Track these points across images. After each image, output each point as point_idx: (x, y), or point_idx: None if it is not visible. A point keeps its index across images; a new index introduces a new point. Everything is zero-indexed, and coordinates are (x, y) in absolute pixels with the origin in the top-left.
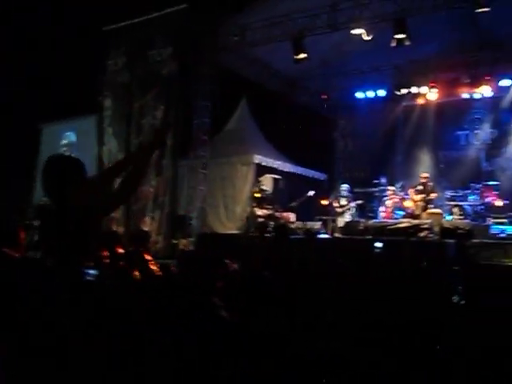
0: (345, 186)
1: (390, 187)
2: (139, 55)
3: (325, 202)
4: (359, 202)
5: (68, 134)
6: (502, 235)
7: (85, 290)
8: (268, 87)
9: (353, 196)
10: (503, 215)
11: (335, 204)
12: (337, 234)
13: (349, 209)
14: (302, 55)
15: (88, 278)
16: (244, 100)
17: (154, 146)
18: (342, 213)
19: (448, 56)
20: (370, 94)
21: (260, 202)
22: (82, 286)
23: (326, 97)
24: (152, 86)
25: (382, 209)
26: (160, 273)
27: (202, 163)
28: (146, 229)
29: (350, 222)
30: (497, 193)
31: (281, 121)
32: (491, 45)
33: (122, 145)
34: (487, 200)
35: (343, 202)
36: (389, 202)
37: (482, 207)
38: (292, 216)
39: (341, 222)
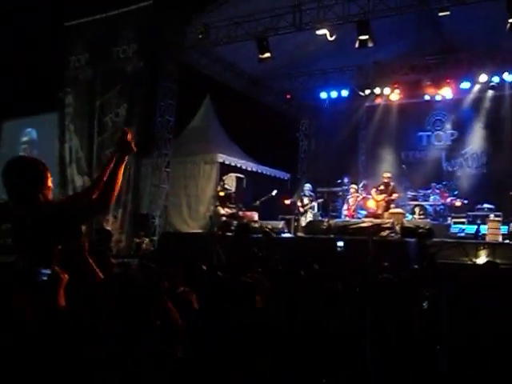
0: (307, 186)
1: (352, 186)
2: (103, 52)
3: (288, 202)
4: (320, 200)
5: (29, 130)
6: (461, 234)
7: (34, 291)
8: (232, 86)
9: (315, 195)
10: (463, 215)
11: (298, 203)
12: (300, 233)
13: (311, 208)
14: (267, 55)
15: (42, 278)
16: (208, 99)
17: (124, 155)
18: (305, 212)
19: (410, 58)
20: (334, 94)
21: (223, 201)
22: (31, 287)
23: (289, 97)
24: (115, 83)
25: (345, 208)
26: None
27: (165, 162)
28: (108, 228)
29: (313, 221)
30: (456, 193)
31: (245, 120)
32: (452, 48)
33: (84, 142)
34: (447, 200)
35: (306, 201)
36: (351, 201)
37: (443, 207)
38: (255, 215)
39: (303, 221)
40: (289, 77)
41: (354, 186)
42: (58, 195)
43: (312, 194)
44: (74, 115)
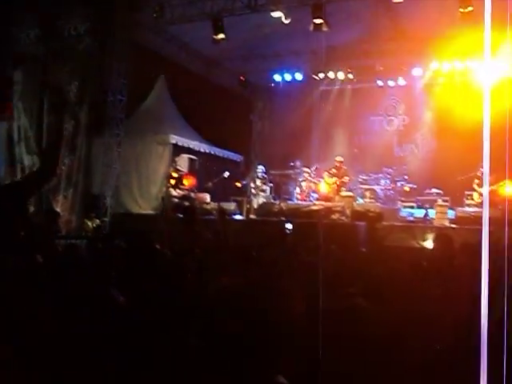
0: (261, 168)
1: (305, 170)
2: (54, 28)
3: (239, 184)
4: (271, 184)
5: None
6: (410, 218)
7: None
8: (187, 67)
9: (268, 178)
10: (412, 199)
11: (251, 185)
12: (252, 216)
13: (263, 190)
14: (221, 36)
15: None
16: (162, 79)
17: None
18: (257, 194)
19: (364, 43)
20: (288, 77)
21: (175, 183)
22: None
23: (243, 79)
24: (66, 61)
25: (297, 191)
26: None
27: (116, 142)
28: (58, 208)
29: (265, 203)
30: (406, 178)
31: (199, 101)
32: (406, 35)
33: (33, 121)
34: (397, 185)
35: (258, 183)
36: (304, 185)
37: (393, 191)
38: (207, 197)
39: (255, 202)
40: (243, 58)
41: (306, 169)
42: (5, 174)
43: (265, 176)
44: (23, 93)
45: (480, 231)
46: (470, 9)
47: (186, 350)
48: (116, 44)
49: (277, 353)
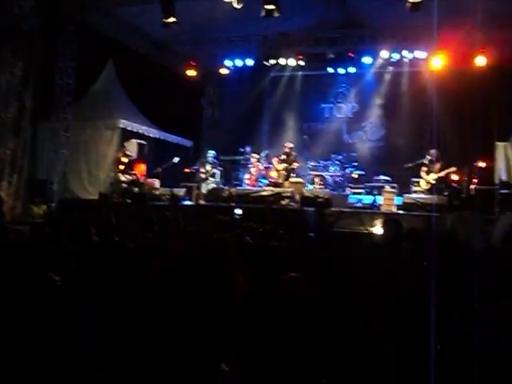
0: (211, 153)
1: (254, 155)
2: None
3: (188, 170)
4: (220, 169)
5: None
6: (358, 205)
7: None
8: (137, 50)
9: (218, 163)
10: (361, 186)
11: (201, 169)
12: (201, 201)
13: (213, 176)
14: (172, 19)
15: None
16: (111, 62)
17: None
18: (206, 179)
19: (315, 31)
20: (239, 62)
21: (124, 168)
22: None
23: (194, 63)
24: (10, 40)
25: (246, 177)
26: None
27: (64, 126)
28: (1, 194)
29: (214, 189)
30: (355, 164)
31: (149, 86)
32: (356, 23)
33: None
34: (346, 171)
35: (208, 168)
36: (253, 170)
37: (342, 178)
38: (156, 182)
39: (204, 188)
40: (194, 43)
41: (256, 155)
42: None
43: (215, 161)
44: None
45: (426, 217)
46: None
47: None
48: (63, 25)
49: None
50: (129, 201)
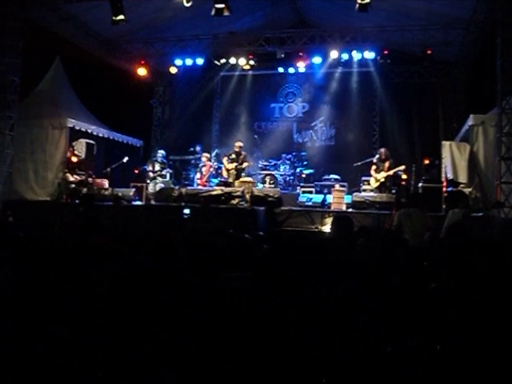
0: (161, 152)
1: (205, 155)
2: None
3: (137, 171)
4: (168, 170)
5: None
6: (308, 203)
7: None
8: (85, 48)
9: (167, 162)
10: (311, 184)
11: (149, 168)
12: (152, 201)
13: (162, 175)
14: (120, 17)
15: None
16: (58, 59)
17: None
18: (155, 178)
19: (265, 30)
20: (189, 61)
21: (72, 168)
22: None
23: (144, 62)
24: None
25: (197, 176)
26: None
27: (9, 125)
28: None
29: (164, 188)
30: (305, 164)
31: (98, 84)
32: (306, 23)
33: None
34: (296, 170)
35: (157, 167)
36: (204, 170)
37: (292, 177)
38: (105, 182)
39: (152, 187)
40: (144, 42)
41: (207, 154)
42: None
43: (164, 160)
44: None
45: (375, 215)
46: (368, 0)
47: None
48: (6, 20)
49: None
50: (77, 201)
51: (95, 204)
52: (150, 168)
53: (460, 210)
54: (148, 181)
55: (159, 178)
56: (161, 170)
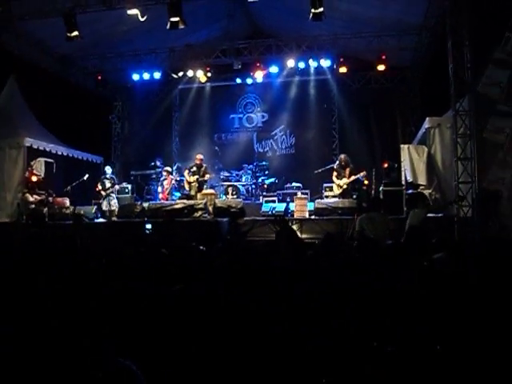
0: (109, 169)
1: (166, 169)
2: None
3: (98, 188)
4: (123, 185)
5: None
6: (271, 212)
7: None
8: (40, 65)
9: (118, 178)
10: (273, 193)
11: (99, 187)
12: (113, 218)
13: (112, 192)
14: (75, 33)
15: None
16: (12, 78)
17: None
18: (108, 195)
19: (222, 42)
20: (146, 76)
21: (32, 188)
22: None
23: (100, 78)
24: None
25: (159, 191)
26: None
27: None
28: None
29: (127, 204)
30: (266, 173)
31: (55, 102)
32: (262, 33)
33: None
34: (258, 180)
35: (108, 184)
36: (165, 183)
37: (254, 186)
38: (66, 201)
39: (106, 204)
40: (100, 57)
41: (168, 168)
42: None
43: (113, 176)
44: None
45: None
46: (321, 10)
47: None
48: None
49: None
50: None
51: (46, 222)
52: (99, 187)
53: (421, 210)
54: (101, 200)
55: (112, 195)
56: (112, 186)
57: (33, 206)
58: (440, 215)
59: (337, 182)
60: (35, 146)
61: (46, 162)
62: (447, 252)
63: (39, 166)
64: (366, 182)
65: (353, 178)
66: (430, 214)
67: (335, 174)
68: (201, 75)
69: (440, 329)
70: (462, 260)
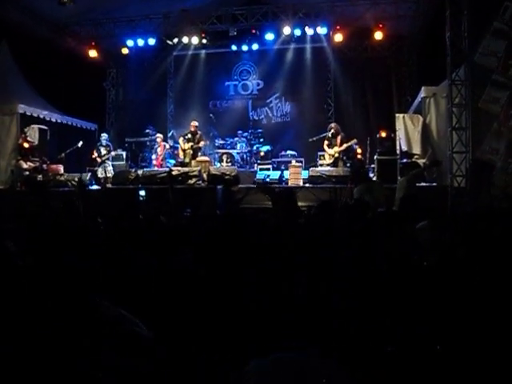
0: (104, 136)
1: (158, 136)
2: None
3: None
4: (118, 152)
5: None
6: (266, 180)
7: None
8: (33, 31)
9: (113, 145)
10: (268, 161)
11: (94, 154)
12: (108, 185)
13: (108, 159)
14: None
15: None
16: (4, 44)
17: None
18: (103, 163)
19: (217, 8)
20: (141, 42)
21: (26, 155)
22: None
23: (94, 44)
24: None
25: (153, 158)
26: None
27: None
28: None
29: (122, 171)
30: (262, 141)
31: (48, 68)
32: (259, 0)
33: None
34: (253, 148)
35: (103, 151)
36: (159, 150)
37: (249, 154)
38: (60, 168)
39: (101, 171)
40: (94, 23)
41: (160, 135)
42: None
43: (109, 143)
44: None
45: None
46: None
47: None
48: None
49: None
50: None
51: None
52: (95, 154)
53: (404, 178)
54: (96, 167)
55: (107, 162)
56: (107, 153)
57: (27, 172)
58: (434, 184)
59: (328, 151)
60: (29, 113)
61: (39, 128)
62: (431, 221)
63: (33, 133)
64: (358, 151)
65: (344, 146)
66: (423, 184)
67: (327, 142)
68: (196, 41)
69: (440, 329)
70: (448, 229)
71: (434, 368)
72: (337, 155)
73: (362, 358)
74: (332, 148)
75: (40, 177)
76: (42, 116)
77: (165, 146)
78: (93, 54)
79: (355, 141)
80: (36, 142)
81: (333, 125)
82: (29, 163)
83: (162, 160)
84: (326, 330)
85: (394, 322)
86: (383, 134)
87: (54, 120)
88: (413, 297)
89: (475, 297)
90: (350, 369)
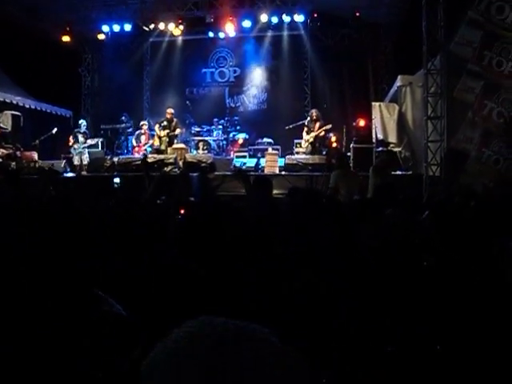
0: (83, 122)
1: (144, 123)
2: None
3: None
4: (95, 139)
5: None
6: (242, 167)
7: None
8: (5, 14)
9: (90, 133)
10: (244, 149)
11: (71, 141)
12: (83, 172)
13: (87, 146)
14: None
15: None
16: None
17: None
18: (79, 150)
19: None
20: (116, 28)
21: None
22: None
23: (69, 29)
24: None
25: (135, 144)
26: None
27: None
28: None
29: (96, 159)
30: (238, 128)
31: (21, 54)
32: None
33: None
34: (229, 135)
35: (81, 138)
36: (143, 138)
37: (225, 142)
38: (35, 155)
39: (78, 159)
40: (69, 7)
41: (145, 122)
42: None
43: (86, 131)
44: None
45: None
46: None
47: None
48: None
49: None
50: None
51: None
52: (72, 140)
53: (371, 167)
54: (72, 154)
55: (84, 149)
56: (84, 141)
57: (0, 160)
58: (409, 173)
59: (305, 137)
60: (1, 99)
61: (12, 115)
62: (396, 208)
63: (6, 120)
64: (333, 139)
65: (319, 131)
66: (398, 172)
67: (305, 129)
68: (172, 28)
69: (440, 329)
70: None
71: (433, 368)
72: (312, 140)
73: (361, 358)
74: (309, 134)
75: (14, 164)
76: (15, 102)
77: (140, 133)
78: (66, 39)
79: (330, 126)
80: (9, 129)
81: (313, 110)
82: (2, 150)
83: (139, 147)
84: (326, 330)
85: (393, 321)
86: (361, 123)
87: (27, 106)
88: (413, 297)
89: (475, 297)
90: (350, 369)
